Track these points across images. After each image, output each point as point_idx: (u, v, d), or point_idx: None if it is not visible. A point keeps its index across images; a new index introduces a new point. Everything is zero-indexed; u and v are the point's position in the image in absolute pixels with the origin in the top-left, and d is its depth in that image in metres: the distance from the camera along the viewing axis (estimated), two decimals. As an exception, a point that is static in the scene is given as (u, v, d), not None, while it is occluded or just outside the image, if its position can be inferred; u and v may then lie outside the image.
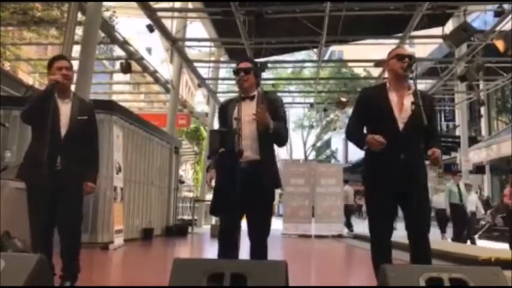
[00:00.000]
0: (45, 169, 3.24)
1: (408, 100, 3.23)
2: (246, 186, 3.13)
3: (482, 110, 19.72)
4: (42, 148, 3.25)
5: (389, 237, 3.34)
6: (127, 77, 16.07)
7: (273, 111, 3.37)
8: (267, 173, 3.39)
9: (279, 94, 17.17)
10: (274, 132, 3.31)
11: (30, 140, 3.66)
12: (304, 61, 23.01)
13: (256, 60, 13.82)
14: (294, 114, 36.63)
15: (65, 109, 3.57)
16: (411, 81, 3.32)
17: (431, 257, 3.25)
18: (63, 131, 3.51)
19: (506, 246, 9.99)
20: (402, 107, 3.23)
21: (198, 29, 15.58)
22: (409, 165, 3.13)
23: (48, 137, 3.25)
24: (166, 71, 15.83)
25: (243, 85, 3.44)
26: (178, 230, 11.53)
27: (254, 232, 3.36)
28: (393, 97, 3.29)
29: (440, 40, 12.75)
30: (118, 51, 15.02)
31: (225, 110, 3.53)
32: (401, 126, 3.21)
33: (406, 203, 3.25)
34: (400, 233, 3.72)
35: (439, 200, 12.70)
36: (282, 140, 3.53)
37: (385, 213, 3.33)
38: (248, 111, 3.32)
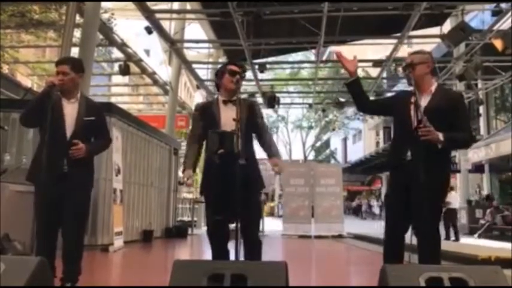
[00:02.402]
0: (49, 171, 3.21)
1: (425, 100, 3.35)
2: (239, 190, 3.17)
3: (481, 109, 19.72)
4: (45, 150, 3.23)
5: (399, 237, 3.37)
6: (126, 78, 16.09)
7: (254, 114, 3.55)
8: (254, 176, 3.49)
9: (278, 95, 17.22)
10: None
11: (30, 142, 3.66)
12: (302, 62, 23.02)
13: (255, 61, 13.99)
14: (293, 114, 36.67)
15: (70, 110, 3.53)
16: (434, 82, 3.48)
17: (439, 258, 3.24)
18: (69, 132, 3.48)
19: (506, 245, 9.99)
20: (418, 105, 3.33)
21: (196, 30, 15.59)
22: (417, 161, 3.18)
23: (47, 138, 3.23)
24: (165, 73, 15.82)
25: (237, 87, 3.48)
26: (178, 232, 11.52)
27: (247, 231, 3.37)
28: (414, 97, 3.37)
29: (438, 40, 12.75)
30: (116, 53, 15.03)
31: (210, 111, 3.53)
32: (415, 123, 3.27)
33: (413, 202, 3.29)
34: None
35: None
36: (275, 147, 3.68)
37: (396, 212, 3.42)
38: (229, 115, 3.36)
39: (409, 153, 3.32)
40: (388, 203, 3.57)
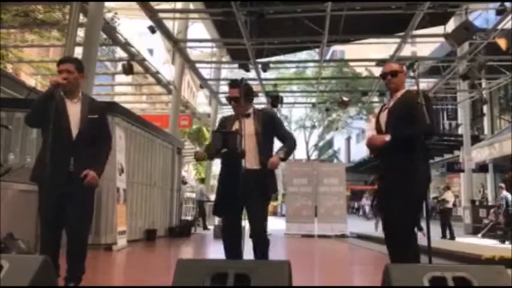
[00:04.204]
0: (55, 171, 3.21)
1: (391, 103, 3.59)
2: (248, 192, 3.45)
3: (485, 108, 19.65)
4: (49, 150, 3.23)
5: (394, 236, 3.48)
6: (129, 78, 16.10)
7: (275, 128, 3.81)
8: (267, 181, 3.70)
9: (281, 94, 17.25)
10: (287, 157, 3.74)
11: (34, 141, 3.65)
12: (306, 61, 23.01)
13: (258, 60, 13.99)
14: (296, 114, 36.59)
15: (74, 109, 3.52)
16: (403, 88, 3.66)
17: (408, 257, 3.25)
18: (75, 131, 3.48)
19: (510, 245, 9.96)
20: (385, 109, 3.61)
21: (199, 29, 15.61)
22: (397, 162, 3.36)
23: (52, 139, 3.23)
24: (168, 72, 15.86)
25: (237, 111, 3.72)
26: (181, 231, 11.54)
27: (253, 230, 3.59)
28: (385, 106, 3.70)
29: (442, 39, 12.73)
30: (120, 53, 15.05)
31: (224, 125, 3.79)
32: (384, 127, 3.55)
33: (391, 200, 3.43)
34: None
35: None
36: (294, 151, 3.93)
37: (382, 206, 3.61)
38: (247, 126, 3.62)
39: (380, 160, 3.55)
40: (376, 209, 3.83)
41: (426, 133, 3.27)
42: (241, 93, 3.66)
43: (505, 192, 12.93)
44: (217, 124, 3.91)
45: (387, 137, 3.35)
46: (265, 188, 3.69)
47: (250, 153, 3.59)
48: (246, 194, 3.45)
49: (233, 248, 3.55)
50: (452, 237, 12.22)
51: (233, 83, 3.80)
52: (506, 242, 11.11)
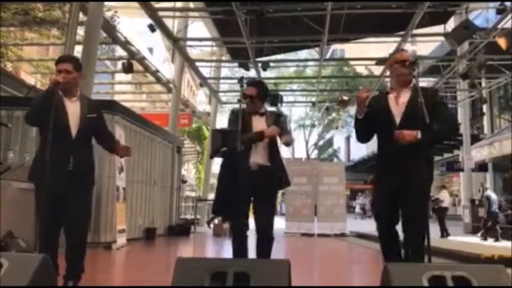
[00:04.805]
0: (55, 170, 3.20)
1: (405, 96, 3.39)
2: (257, 187, 3.62)
3: (485, 107, 19.65)
4: (49, 149, 3.22)
5: (390, 231, 3.39)
6: (129, 77, 16.08)
7: (280, 123, 3.86)
8: (277, 175, 3.82)
9: (281, 93, 17.22)
10: (283, 140, 3.86)
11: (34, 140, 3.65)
12: (306, 60, 22.98)
13: (258, 59, 13.97)
14: (296, 113, 36.56)
15: (73, 108, 3.53)
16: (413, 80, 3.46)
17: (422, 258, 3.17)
18: (74, 130, 3.48)
19: (509, 244, 9.96)
20: (398, 100, 3.40)
21: (199, 28, 15.58)
22: (406, 159, 3.22)
23: (52, 137, 3.22)
24: (168, 71, 15.84)
25: (250, 108, 3.83)
26: (181, 230, 11.54)
27: (259, 225, 3.70)
28: (393, 95, 3.47)
29: (442, 38, 12.72)
30: (120, 51, 15.04)
31: (243, 118, 3.74)
32: (397, 120, 3.35)
33: (402, 199, 3.29)
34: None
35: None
36: (290, 142, 3.96)
37: (384, 206, 3.42)
38: (259, 124, 3.79)
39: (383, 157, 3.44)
40: (376, 207, 3.62)
41: (454, 133, 3.28)
42: (257, 92, 3.82)
43: (489, 191, 13.00)
44: (228, 115, 3.97)
45: (418, 134, 3.18)
46: (276, 183, 3.81)
47: (261, 151, 3.73)
48: (254, 189, 3.59)
49: (242, 245, 3.64)
50: (447, 234, 12.31)
51: (252, 82, 4.02)
52: (502, 241, 11.17)
